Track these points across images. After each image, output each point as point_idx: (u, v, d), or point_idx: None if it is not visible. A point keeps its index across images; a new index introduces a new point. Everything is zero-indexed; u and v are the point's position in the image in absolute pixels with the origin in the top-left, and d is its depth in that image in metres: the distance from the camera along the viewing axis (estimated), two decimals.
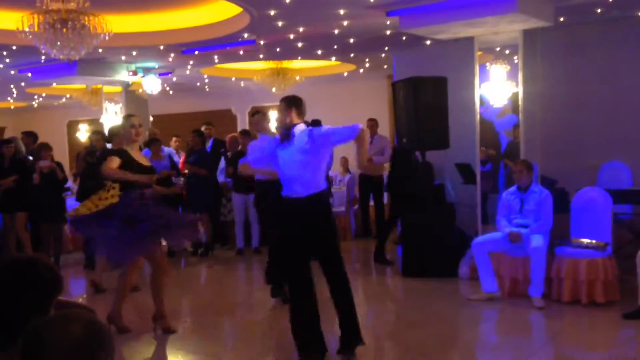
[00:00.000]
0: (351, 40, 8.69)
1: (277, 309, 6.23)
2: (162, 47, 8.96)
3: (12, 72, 10.44)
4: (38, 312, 1.73)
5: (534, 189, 6.26)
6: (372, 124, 9.90)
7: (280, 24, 7.50)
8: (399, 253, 8.14)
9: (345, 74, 12.15)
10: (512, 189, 6.39)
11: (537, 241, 6.00)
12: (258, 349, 5.16)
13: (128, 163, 5.27)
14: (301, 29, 7.88)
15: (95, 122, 14.48)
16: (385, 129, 12.20)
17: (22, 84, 12.00)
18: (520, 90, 7.14)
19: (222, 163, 9.48)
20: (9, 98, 14.53)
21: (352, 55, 10.07)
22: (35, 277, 1.79)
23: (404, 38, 8.39)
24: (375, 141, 9.77)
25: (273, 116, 14.74)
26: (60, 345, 1.44)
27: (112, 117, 11.10)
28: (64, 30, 6.15)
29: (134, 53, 9.33)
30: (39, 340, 1.45)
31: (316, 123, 9.52)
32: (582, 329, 5.56)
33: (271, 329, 5.79)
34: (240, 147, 9.26)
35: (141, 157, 5.54)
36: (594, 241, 6.05)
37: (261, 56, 10.00)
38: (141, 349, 5.32)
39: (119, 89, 11.10)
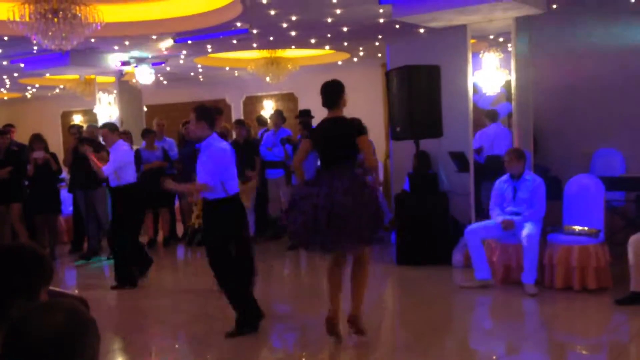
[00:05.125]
0: (344, 29, 8.67)
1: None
2: (154, 37, 8.92)
3: (5, 62, 10.39)
4: (24, 299, 1.73)
5: (526, 177, 6.28)
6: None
7: (272, 12, 7.48)
8: (392, 241, 8.17)
9: (340, 62, 12.13)
10: (505, 177, 6.41)
11: (530, 229, 6.03)
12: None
13: None
14: (294, 18, 7.85)
15: (89, 113, 14.44)
16: (379, 118, 12.21)
17: (15, 74, 11.93)
18: (513, 78, 7.15)
19: None
20: (2, 89, 14.46)
21: (345, 44, 10.05)
22: (21, 264, 1.79)
23: (397, 26, 8.37)
24: None
25: (268, 105, 14.77)
26: (41, 334, 1.44)
27: (105, 107, 11.07)
28: (55, 20, 6.13)
29: (127, 43, 9.29)
30: (20, 329, 1.45)
31: (305, 113, 9.52)
32: (575, 315, 5.60)
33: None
34: (235, 137, 9.29)
35: None
36: (586, 228, 6.08)
37: (255, 45, 9.97)
38: None
39: (112, 79, 11.06)
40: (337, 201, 4.46)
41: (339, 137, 4.70)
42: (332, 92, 4.80)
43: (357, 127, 4.73)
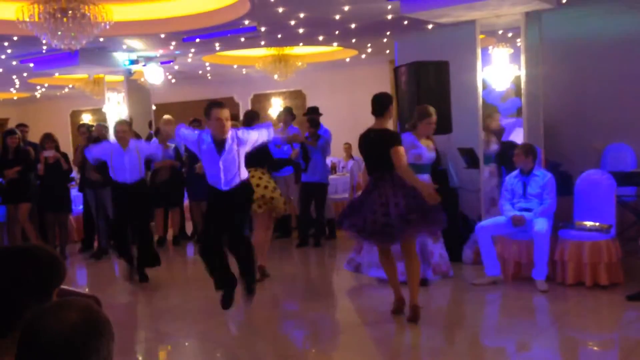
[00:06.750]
0: (352, 26, 8.65)
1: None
2: (163, 36, 8.94)
3: (14, 62, 10.44)
4: (38, 300, 1.73)
5: (536, 172, 6.25)
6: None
7: (280, 10, 7.47)
8: None
9: (347, 59, 12.10)
10: (515, 172, 6.38)
11: (541, 225, 6.00)
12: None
13: None
14: (302, 15, 7.84)
15: (98, 112, 14.51)
16: None
17: (25, 74, 11.99)
18: (522, 73, 7.11)
19: None
20: (11, 89, 14.53)
21: (353, 40, 10.02)
22: (35, 265, 1.79)
23: (406, 22, 8.34)
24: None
25: (276, 103, 14.78)
26: (56, 333, 1.44)
27: (114, 106, 11.10)
28: (65, 19, 6.15)
29: (135, 41, 9.31)
30: (35, 329, 1.45)
31: (313, 110, 9.44)
32: (586, 312, 5.57)
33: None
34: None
35: None
36: (597, 224, 6.04)
37: (262, 43, 9.96)
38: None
39: (121, 78, 11.10)
40: (387, 203, 5.04)
41: (377, 147, 5.21)
42: (381, 103, 5.37)
43: (392, 139, 5.18)
